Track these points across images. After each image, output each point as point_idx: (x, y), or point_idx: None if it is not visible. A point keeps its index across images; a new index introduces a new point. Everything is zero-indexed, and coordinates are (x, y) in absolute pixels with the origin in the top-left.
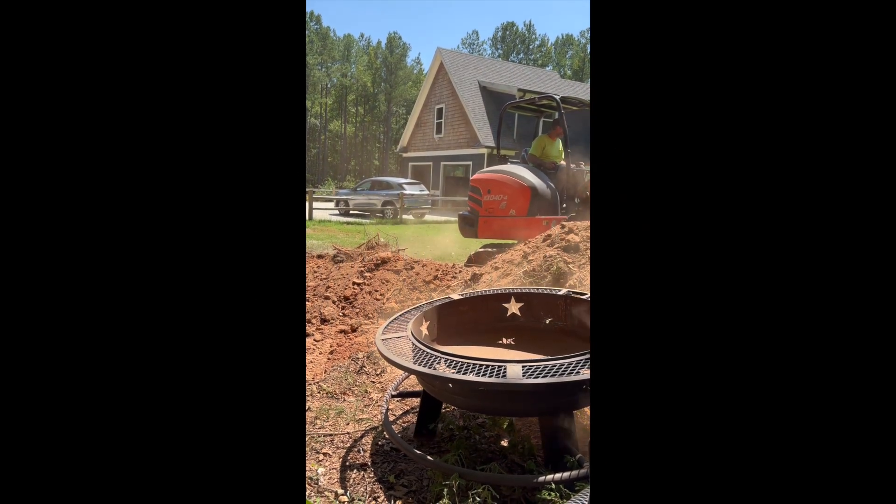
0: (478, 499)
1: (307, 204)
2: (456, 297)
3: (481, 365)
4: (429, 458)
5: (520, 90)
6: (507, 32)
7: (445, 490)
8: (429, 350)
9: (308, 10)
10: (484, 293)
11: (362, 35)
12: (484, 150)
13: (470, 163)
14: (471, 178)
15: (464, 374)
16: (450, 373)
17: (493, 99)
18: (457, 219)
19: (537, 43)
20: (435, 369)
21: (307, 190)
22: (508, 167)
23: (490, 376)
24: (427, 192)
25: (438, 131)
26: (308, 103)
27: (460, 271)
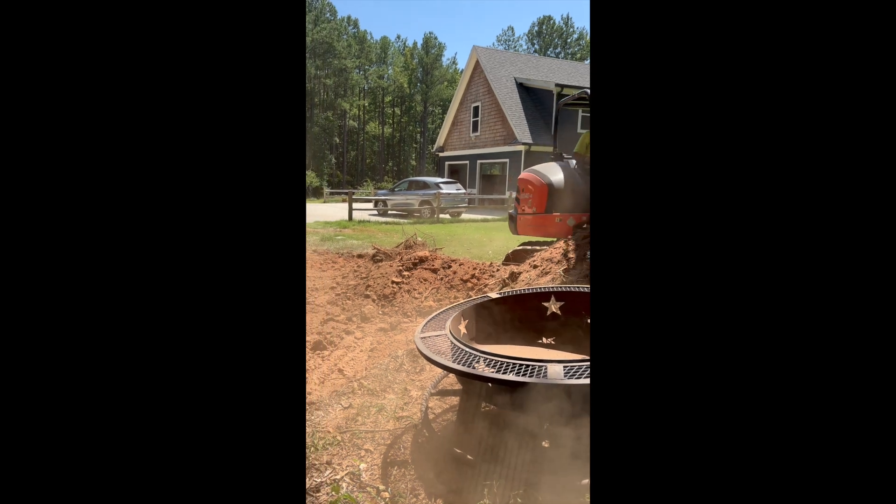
0: (518, 500)
1: (347, 205)
2: (494, 295)
3: (521, 364)
4: (468, 457)
5: (557, 85)
6: (544, 27)
7: (486, 490)
8: (468, 349)
9: (346, 13)
10: (522, 292)
11: (398, 37)
12: (521, 147)
13: (507, 161)
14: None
15: (503, 373)
16: (489, 372)
17: (531, 95)
18: (493, 217)
19: (575, 36)
20: (474, 368)
21: (348, 191)
22: (540, 165)
23: (530, 376)
24: (463, 190)
25: (475, 129)
26: (346, 105)
27: (497, 270)
